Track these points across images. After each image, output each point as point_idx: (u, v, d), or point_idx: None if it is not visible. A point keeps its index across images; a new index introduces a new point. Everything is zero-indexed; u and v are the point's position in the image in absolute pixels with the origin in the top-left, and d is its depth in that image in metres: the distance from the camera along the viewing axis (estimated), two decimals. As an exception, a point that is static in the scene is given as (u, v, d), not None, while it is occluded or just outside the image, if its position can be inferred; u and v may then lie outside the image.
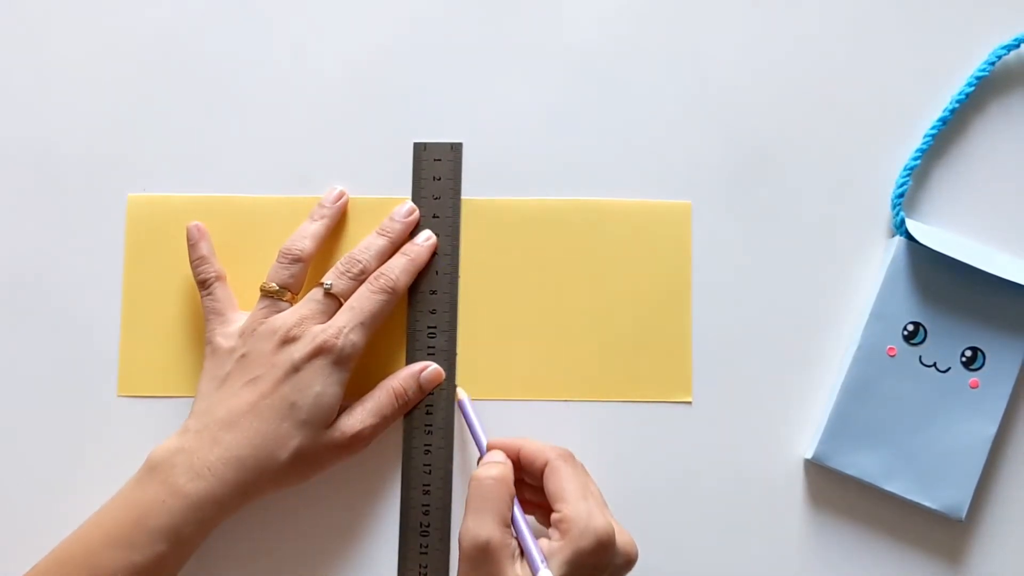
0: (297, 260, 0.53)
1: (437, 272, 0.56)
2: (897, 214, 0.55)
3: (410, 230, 0.56)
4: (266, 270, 0.54)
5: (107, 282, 0.56)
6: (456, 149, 0.57)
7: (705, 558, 0.54)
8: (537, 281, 0.56)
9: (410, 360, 0.55)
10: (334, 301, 0.53)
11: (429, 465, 0.54)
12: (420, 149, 0.57)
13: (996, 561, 0.54)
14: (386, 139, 0.57)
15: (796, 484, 0.55)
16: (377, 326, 0.53)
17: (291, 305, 0.53)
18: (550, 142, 0.57)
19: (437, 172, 0.56)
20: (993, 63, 0.56)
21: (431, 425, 0.55)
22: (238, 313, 0.54)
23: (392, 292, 0.53)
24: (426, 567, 0.54)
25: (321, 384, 0.51)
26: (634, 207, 0.57)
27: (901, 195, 0.55)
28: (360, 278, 0.53)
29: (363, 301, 0.53)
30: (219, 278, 0.54)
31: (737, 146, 0.57)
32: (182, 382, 0.55)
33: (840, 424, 0.53)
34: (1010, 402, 0.53)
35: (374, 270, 0.54)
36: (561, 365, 0.56)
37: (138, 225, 0.57)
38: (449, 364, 0.55)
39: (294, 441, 0.50)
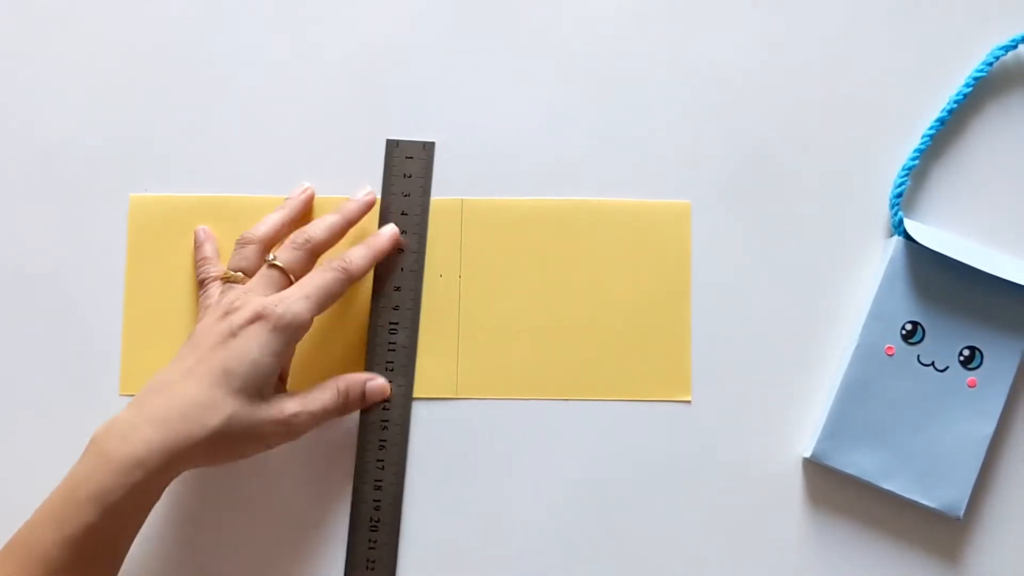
0: (248, 243, 0.53)
1: (403, 269, 0.56)
2: (895, 214, 0.55)
3: (364, 210, 0.56)
4: None
5: (109, 281, 0.57)
6: (428, 148, 0.57)
7: (704, 556, 0.55)
8: (537, 281, 0.56)
9: (370, 355, 0.55)
10: (282, 274, 0.52)
11: (382, 460, 0.55)
12: (392, 146, 0.57)
13: (994, 559, 0.54)
14: (375, 138, 0.58)
15: (795, 483, 0.55)
16: (326, 303, 0.52)
17: None
18: (548, 141, 0.57)
19: (408, 169, 0.57)
20: (991, 64, 0.56)
21: (387, 421, 0.55)
22: None
23: (344, 272, 0.53)
24: (374, 562, 0.54)
25: (258, 351, 0.49)
26: (634, 207, 0.57)
27: (899, 195, 0.55)
28: (306, 247, 0.53)
29: (313, 277, 0.52)
30: (217, 279, 0.54)
31: (736, 146, 0.57)
32: None
33: (839, 423, 0.54)
34: (1008, 401, 0.53)
35: (322, 243, 0.54)
36: (560, 364, 0.56)
37: (140, 225, 0.57)
38: (409, 360, 0.55)
39: (226, 408, 0.48)
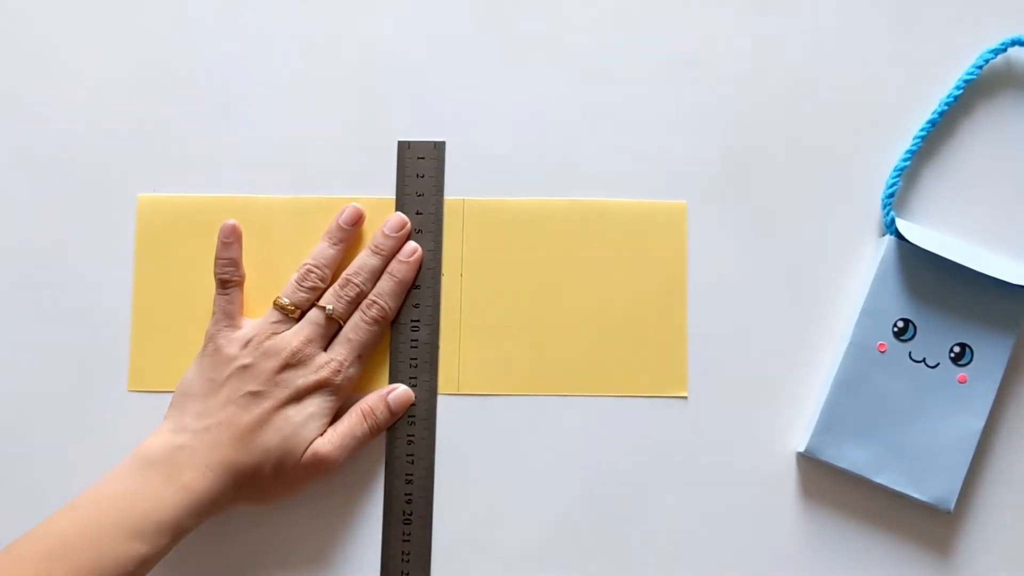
0: (315, 288, 0.55)
1: (420, 267, 0.57)
2: (887, 214, 0.56)
3: (402, 243, 0.57)
4: (271, 271, 0.56)
5: (118, 280, 0.57)
6: (439, 147, 0.58)
7: (700, 548, 0.55)
8: (537, 279, 0.57)
9: (393, 352, 0.56)
10: (333, 324, 0.55)
11: (412, 455, 0.55)
12: (404, 147, 0.58)
13: (983, 551, 0.55)
14: (384, 139, 0.58)
15: (789, 477, 0.56)
16: (372, 354, 0.56)
17: (296, 322, 0.54)
18: (547, 143, 0.58)
19: (420, 170, 0.57)
20: (981, 67, 0.57)
21: (414, 416, 0.56)
22: (246, 321, 0.55)
23: (384, 320, 0.56)
24: (408, 554, 0.55)
25: (315, 411, 0.53)
26: (632, 207, 0.58)
27: (891, 195, 0.56)
28: (358, 302, 0.55)
29: (359, 332, 0.55)
30: (240, 283, 0.56)
31: (730, 147, 0.58)
32: None
33: (832, 418, 0.54)
34: (997, 397, 0.54)
35: (370, 291, 0.55)
36: (559, 361, 0.57)
37: (148, 225, 0.58)
38: (432, 355, 0.56)
39: (282, 458, 0.52)
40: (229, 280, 0.55)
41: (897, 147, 0.57)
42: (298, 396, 0.53)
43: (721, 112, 0.58)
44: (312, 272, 0.55)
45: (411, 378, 0.56)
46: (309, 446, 0.53)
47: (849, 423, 0.54)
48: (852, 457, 0.54)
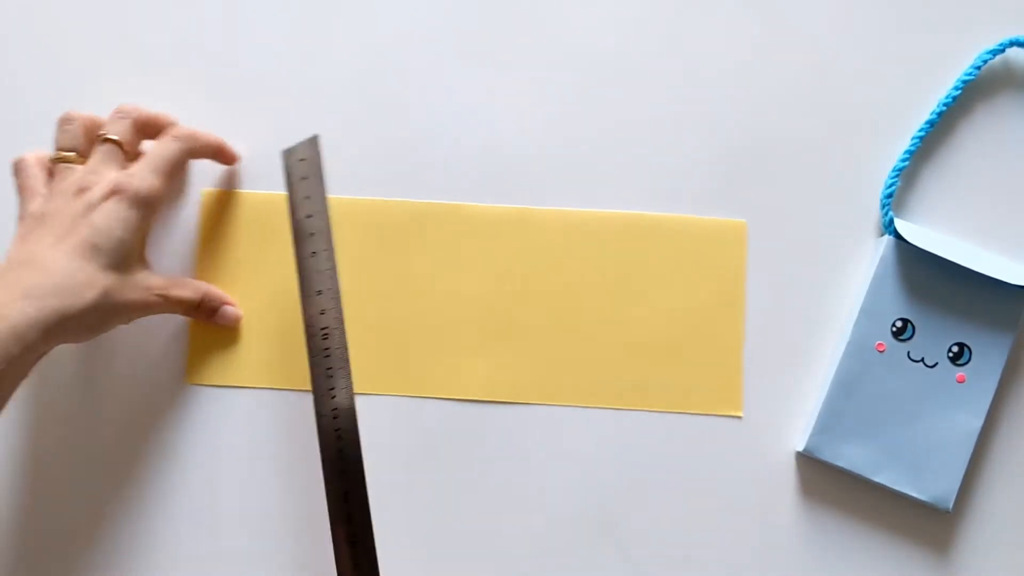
0: (71, 120, 0.54)
1: (319, 271, 0.53)
2: (886, 214, 0.56)
3: (213, 150, 0.57)
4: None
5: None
6: (314, 141, 0.54)
7: (700, 547, 0.55)
8: (589, 290, 0.57)
9: (313, 368, 0.53)
10: (117, 147, 0.53)
11: (346, 472, 0.52)
12: (287, 155, 0.54)
13: (982, 550, 0.55)
14: (385, 139, 0.59)
15: (788, 476, 0.56)
16: (174, 174, 0.54)
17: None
18: (544, 144, 0.58)
19: (303, 171, 0.54)
20: (979, 67, 0.57)
21: (339, 429, 0.52)
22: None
23: (189, 139, 0.54)
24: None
25: (120, 226, 0.51)
26: (689, 223, 0.57)
27: (890, 195, 0.56)
28: (132, 117, 0.54)
29: (158, 146, 0.54)
30: (37, 160, 0.54)
31: (728, 148, 0.58)
32: (248, 372, 0.57)
33: (831, 418, 0.54)
34: (995, 396, 0.54)
35: (148, 119, 0.54)
36: (590, 371, 0.57)
37: (210, 219, 0.58)
38: (345, 361, 0.53)
39: (100, 282, 0.50)
40: (20, 160, 0.54)
41: (896, 147, 0.57)
42: (92, 208, 0.51)
43: (719, 113, 0.58)
44: (66, 116, 0.54)
45: (330, 389, 0.52)
46: (135, 275, 0.52)
47: (848, 422, 0.54)
48: (851, 456, 0.54)
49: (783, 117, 0.58)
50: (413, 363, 0.57)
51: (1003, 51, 0.57)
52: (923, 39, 0.59)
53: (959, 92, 0.57)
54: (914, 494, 0.54)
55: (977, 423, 0.54)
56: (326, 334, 0.53)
